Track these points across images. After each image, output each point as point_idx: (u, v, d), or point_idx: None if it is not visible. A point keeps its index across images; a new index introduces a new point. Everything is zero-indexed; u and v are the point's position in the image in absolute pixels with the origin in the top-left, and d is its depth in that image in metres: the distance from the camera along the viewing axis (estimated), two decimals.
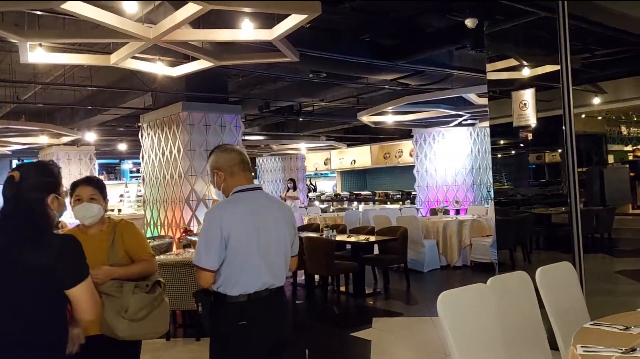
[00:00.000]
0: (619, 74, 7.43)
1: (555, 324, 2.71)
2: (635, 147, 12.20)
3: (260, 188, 2.77)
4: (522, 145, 5.52)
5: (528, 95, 4.99)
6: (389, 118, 10.81)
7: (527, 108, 4.97)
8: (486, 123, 13.69)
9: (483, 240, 8.99)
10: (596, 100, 8.41)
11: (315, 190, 23.75)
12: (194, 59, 6.90)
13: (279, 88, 11.31)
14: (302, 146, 15.55)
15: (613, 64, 7.37)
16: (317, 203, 20.02)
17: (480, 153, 13.75)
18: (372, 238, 7.64)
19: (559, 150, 4.95)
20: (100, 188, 2.75)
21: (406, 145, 18.46)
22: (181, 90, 9.32)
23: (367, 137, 18.72)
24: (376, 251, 8.29)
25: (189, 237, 8.66)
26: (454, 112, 10.41)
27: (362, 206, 17.98)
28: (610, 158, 11.54)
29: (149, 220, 10.15)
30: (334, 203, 19.75)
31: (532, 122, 4.99)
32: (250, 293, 2.47)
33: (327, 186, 24.36)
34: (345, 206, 17.78)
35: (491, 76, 5.50)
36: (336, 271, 7.25)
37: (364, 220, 11.12)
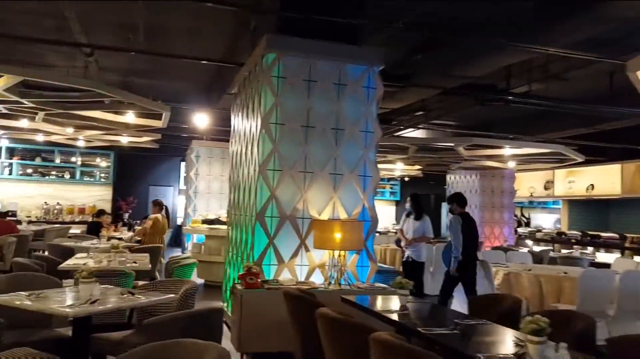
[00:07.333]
0: None
1: None
2: None
3: None
4: None
5: None
6: None
7: None
8: None
9: None
10: None
11: (528, 224, 17.45)
12: None
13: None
14: (507, 152, 10.06)
15: None
16: (529, 242, 14.02)
17: None
18: None
19: None
20: None
21: None
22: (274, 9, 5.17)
23: (618, 149, 12.14)
24: None
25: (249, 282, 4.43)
26: None
27: (603, 255, 11.59)
28: None
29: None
30: (556, 245, 13.48)
31: None
32: None
33: (546, 221, 17.82)
34: (576, 253, 11.51)
35: None
36: None
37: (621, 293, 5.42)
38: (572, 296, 6.12)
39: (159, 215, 7.94)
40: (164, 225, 7.93)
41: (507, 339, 2.98)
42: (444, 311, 3.99)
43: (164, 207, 8.11)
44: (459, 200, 6.76)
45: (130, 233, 9.29)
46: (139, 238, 7.90)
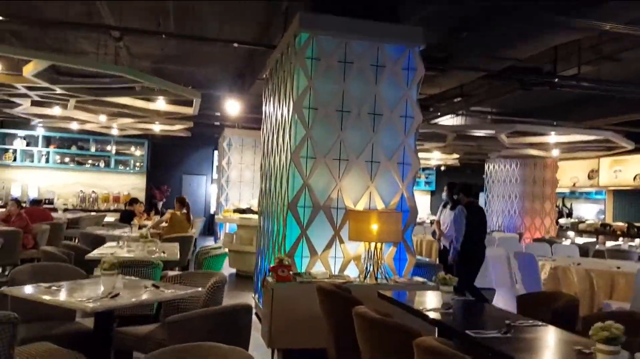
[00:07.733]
0: None
1: None
2: None
3: None
4: None
5: None
6: None
7: None
8: None
9: None
10: None
11: (570, 215, 16.75)
12: None
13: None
14: (552, 140, 9.52)
15: None
16: (571, 234, 13.40)
17: None
18: None
19: None
20: None
21: None
22: None
23: None
24: None
25: (275, 274, 4.21)
26: None
27: None
28: None
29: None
30: (600, 236, 12.83)
31: None
32: None
33: (588, 212, 17.07)
34: (623, 245, 10.91)
35: None
36: None
37: None
38: (626, 293, 5.68)
39: (177, 212, 7.89)
40: (182, 221, 7.83)
41: (567, 345, 2.65)
42: (492, 310, 3.67)
43: (185, 205, 8.06)
44: (465, 190, 6.58)
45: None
46: (155, 230, 7.82)
